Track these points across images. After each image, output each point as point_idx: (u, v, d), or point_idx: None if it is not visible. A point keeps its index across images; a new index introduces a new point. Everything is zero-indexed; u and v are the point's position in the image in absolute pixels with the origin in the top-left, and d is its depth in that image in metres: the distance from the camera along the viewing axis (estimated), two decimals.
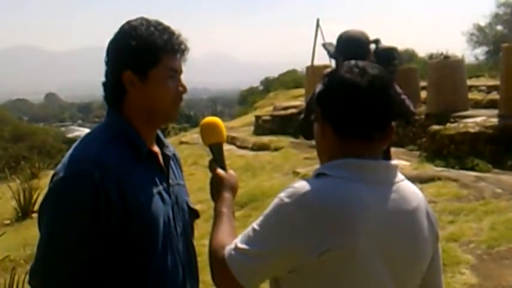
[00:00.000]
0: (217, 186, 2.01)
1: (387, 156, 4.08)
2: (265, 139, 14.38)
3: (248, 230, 1.68)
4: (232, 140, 14.69)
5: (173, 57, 1.98)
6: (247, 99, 37.29)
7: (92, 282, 1.84)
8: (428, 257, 1.79)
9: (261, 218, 1.67)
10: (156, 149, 2.07)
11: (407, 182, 1.80)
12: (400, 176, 1.77)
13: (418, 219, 1.75)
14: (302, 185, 1.64)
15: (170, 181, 2.07)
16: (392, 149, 9.80)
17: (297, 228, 1.59)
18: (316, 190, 1.62)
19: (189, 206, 2.16)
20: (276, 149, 13.03)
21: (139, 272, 1.90)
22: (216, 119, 2.13)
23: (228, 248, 1.69)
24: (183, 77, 2.04)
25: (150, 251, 1.92)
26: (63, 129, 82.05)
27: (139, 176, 1.93)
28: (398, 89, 4.23)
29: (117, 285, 1.88)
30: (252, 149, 13.83)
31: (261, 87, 40.79)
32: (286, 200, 1.62)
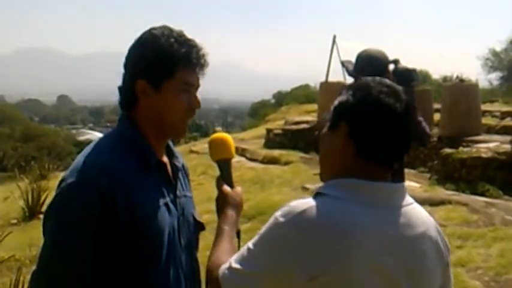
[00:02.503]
0: (222, 203, 2.00)
1: (401, 178, 4.04)
2: (275, 153, 14.34)
3: (243, 249, 1.65)
4: (242, 152, 14.68)
5: (190, 71, 1.96)
6: (258, 111, 37.38)
7: None
8: (434, 285, 1.71)
9: (256, 237, 1.63)
10: (165, 159, 2.05)
11: (417, 205, 1.73)
12: (409, 200, 1.70)
13: (423, 246, 1.66)
14: (297, 205, 1.58)
15: (177, 192, 2.04)
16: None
17: (289, 249, 1.53)
18: (311, 211, 1.55)
19: (194, 219, 2.14)
20: (286, 163, 13.00)
21: (142, 283, 1.87)
22: (225, 135, 2.12)
23: (223, 267, 1.66)
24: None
25: (154, 261, 1.89)
26: (73, 131, 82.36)
27: (147, 186, 1.91)
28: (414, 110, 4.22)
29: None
30: (262, 161, 13.80)
31: (272, 101, 40.88)
32: (281, 219, 1.57)
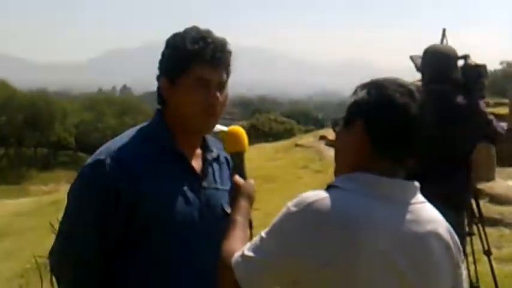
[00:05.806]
0: (235, 194, 2.02)
1: (468, 182, 3.90)
2: None
3: (257, 238, 1.68)
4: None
5: (206, 67, 1.98)
6: None
7: (105, 268, 1.99)
8: (445, 284, 1.71)
9: (269, 227, 1.66)
10: (198, 152, 2.13)
11: (428, 205, 1.73)
12: (420, 198, 1.71)
13: (431, 244, 1.66)
14: (310, 195, 1.62)
15: (204, 184, 2.10)
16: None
17: (301, 237, 1.57)
18: (322, 202, 1.59)
19: (225, 211, 2.12)
20: None
21: (147, 266, 1.99)
22: (238, 129, 2.15)
23: (236, 255, 1.69)
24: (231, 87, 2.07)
25: (164, 247, 1.98)
26: None
27: (161, 174, 2.00)
28: (484, 108, 4.09)
29: (135, 275, 1.98)
30: None
31: None
32: (293, 208, 1.61)
